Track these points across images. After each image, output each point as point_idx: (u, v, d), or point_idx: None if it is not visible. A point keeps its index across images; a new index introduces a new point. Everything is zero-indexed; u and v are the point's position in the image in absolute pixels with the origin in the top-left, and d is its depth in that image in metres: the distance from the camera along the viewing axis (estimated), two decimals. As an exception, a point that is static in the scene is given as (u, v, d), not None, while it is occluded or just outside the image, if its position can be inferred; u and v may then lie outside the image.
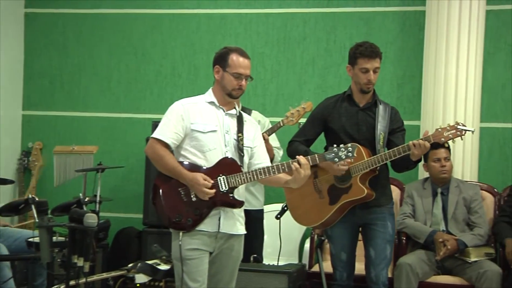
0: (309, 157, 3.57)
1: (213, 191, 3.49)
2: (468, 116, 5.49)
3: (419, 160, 4.05)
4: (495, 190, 5.35)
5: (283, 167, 3.54)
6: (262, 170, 3.54)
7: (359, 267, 4.33)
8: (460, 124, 3.80)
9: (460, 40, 5.50)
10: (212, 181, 3.50)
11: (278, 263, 4.74)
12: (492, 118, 5.77)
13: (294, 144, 4.24)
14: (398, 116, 4.24)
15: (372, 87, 4.13)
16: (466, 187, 5.10)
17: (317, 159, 3.58)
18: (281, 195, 5.77)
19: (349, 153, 3.53)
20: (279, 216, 4.31)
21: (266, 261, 4.90)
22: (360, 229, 4.24)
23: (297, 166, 3.49)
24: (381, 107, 4.15)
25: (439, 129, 3.84)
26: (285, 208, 4.29)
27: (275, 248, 5.42)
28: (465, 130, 3.79)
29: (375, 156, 3.99)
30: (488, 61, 5.74)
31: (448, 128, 3.81)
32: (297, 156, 3.53)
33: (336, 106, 4.20)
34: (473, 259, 4.77)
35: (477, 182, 5.41)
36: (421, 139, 3.85)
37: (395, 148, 3.93)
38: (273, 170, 3.55)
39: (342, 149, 3.54)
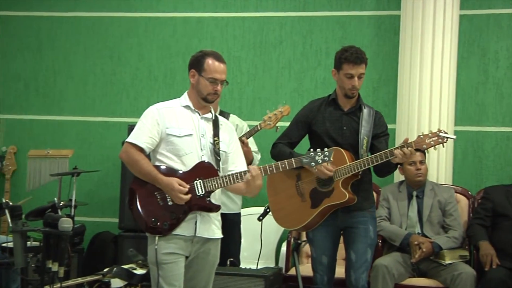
0: (285, 161, 3.58)
1: (189, 196, 3.48)
2: (442, 120, 5.54)
3: (398, 165, 4.06)
4: (469, 193, 5.40)
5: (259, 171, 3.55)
6: (239, 174, 3.53)
7: (339, 270, 4.32)
8: (442, 131, 3.81)
9: (435, 44, 5.55)
10: (188, 186, 3.49)
11: (257, 267, 4.74)
12: (466, 121, 5.83)
13: (278, 146, 4.23)
14: (382, 120, 4.23)
15: (357, 92, 4.12)
16: (441, 190, 5.14)
17: (293, 163, 3.58)
18: (258, 199, 5.79)
19: (326, 157, 3.54)
20: (261, 217, 4.31)
21: (243, 265, 4.89)
22: (342, 232, 4.24)
23: (250, 177, 3.49)
24: (365, 112, 4.14)
25: (421, 136, 3.84)
26: (268, 210, 4.28)
27: (252, 252, 5.42)
28: (447, 138, 3.80)
29: (357, 161, 3.97)
30: (462, 65, 5.81)
31: (430, 135, 3.81)
32: (249, 166, 3.55)
33: (321, 110, 4.20)
34: (447, 261, 4.80)
35: (452, 185, 5.46)
36: (403, 145, 3.85)
37: (377, 154, 3.92)
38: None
39: (319, 153, 3.54)
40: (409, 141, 3.88)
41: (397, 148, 3.86)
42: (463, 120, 5.82)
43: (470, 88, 5.85)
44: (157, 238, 3.48)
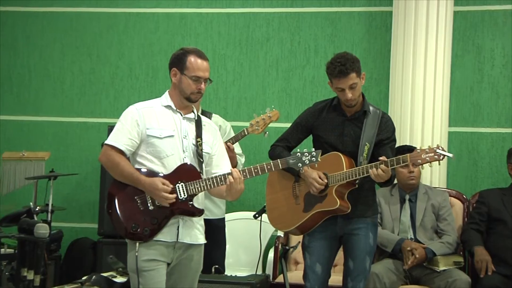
0: (271, 162, 3.59)
1: (174, 195, 3.48)
2: (436, 120, 5.58)
3: (391, 179, 4.03)
4: (464, 196, 5.43)
5: (244, 173, 3.55)
6: (223, 176, 3.54)
7: (336, 278, 4.31)
8: (440, 148, 3.81)
9: (428, 42, 5.59)
10: (171, 185, 3.49)
11: (256, 272, 4.75)
12: (460, 122, 5.87)
13: (277, 149, 4.22)
14: (389, 124, 4.16)
15: (356, 101, 4.06)
16: (435, 193, 5.17)
17: (279, 164, 3.60)
18: (244, 203, 5.82)
19: (313, 158, 3.55)
20: (257, 215, 4.32)
21: (228, 272, 4.90)
22: (341, 238, 4.19)
23: (231, 179, 3.50)
24: (370, 116, 4.09)
25: (418, 150, 3.85)
26: (265, 209, 4.31)
27: (236, 258, 5.44)
28: (444, 155, 3.81)
29: (352, 169, 3.96)
30: (456, 63, 5.84)
31: (427, 150, 3.82)
32: (231, 169, 3.55)
33: (322, 114, 4.17)
34: (441, 268, 4.83)
35: (446, 189, 5.49)
36: (396, 158, 3.84)
37: (372, 164, 3.90)
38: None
39: (306, 154, 3.56)
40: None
41: (375, 165, 3.86)
42: (457, 120, 5.86)
43: (464, 87, 5.89)
44: (137, 244, 3.48)
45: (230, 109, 6.18)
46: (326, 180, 4.00)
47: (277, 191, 4.22)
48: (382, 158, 3.87)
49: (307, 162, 3.55)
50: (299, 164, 3.56)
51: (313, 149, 3.58)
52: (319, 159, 3.56)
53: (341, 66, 3.96)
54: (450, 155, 3.83)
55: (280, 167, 3.61)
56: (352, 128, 4.11)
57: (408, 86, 5.61)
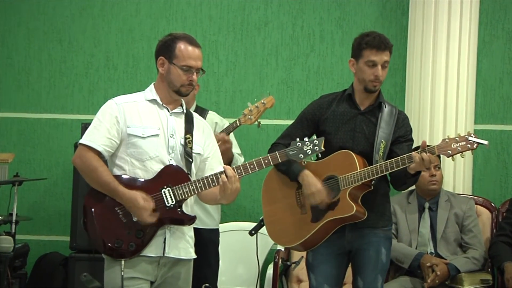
0: (269, 155, 3.61)
1: (156, 218, 3.49)
2: (460, 117, 5.59)
3: (418, 175, 4.03)
4: (493, 204, 5.44)
5: (239, 171, 3.56)
6: (214, 176, 3.54)
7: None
8: (472, 135, 3.80)
9: (451, 26, 5.60)
10: (153, 203, 3.49)
11: None
12: (488, 118, 5.89)
13: (278, 147, 4.18)
14: (407, 122, 4.21)
15: (379, 86, 4.10)
16: (459, 201, 5.18)
17: (278, 157, 3.61)
18: (239, 212, 5.81)
19: (316, 147, 3.56)
20: (253, 231, 4.30)
21: (221, 292, 4.92)
22: (350, 253, 4.19)
23: (225, 179, 3.51)
24: (386, 111, 4.13)
25: (446, 140, 3.83)
26: (262, 223, 4.29)
27: (231, 275, 5.43)
28: (478, 143, 3.81)
29: (368, 168, 3.97)
30: (483, 51, 5.86)
31: (457, 139, 3.81)
32: (224, 166, 3.57)
33: (332, 107, 4.18)
34: (466, 286, 4.84)
35: (471, 195, 5.50)
36: (424, 150, 3.84)
37: (392, 160, 3.90)
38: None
39: (307, 142, 3.56)
40: (429, 145, 3.87)
41: (416, 152, 3.85)
42: (484, 117, 5.87)
43: (493, 78, 5.90)
44: (123, 262, 3.48)
45: (222, 104, 6.18)
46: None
47: (277, 200, 4.22)
48: (424, 142, 3.87)
49: (310, 152, 3.56)
50: (301, 155, 3.57)
51: (315, 137, 3.58)
52: (322, 148, 3.57)
53: (381, 38, 4.06)
54: (485, 142, 3.80)
55: (279, 160, 3.62)
56: (366, 123, 4.13)
57: (428, 78, 5.62)
